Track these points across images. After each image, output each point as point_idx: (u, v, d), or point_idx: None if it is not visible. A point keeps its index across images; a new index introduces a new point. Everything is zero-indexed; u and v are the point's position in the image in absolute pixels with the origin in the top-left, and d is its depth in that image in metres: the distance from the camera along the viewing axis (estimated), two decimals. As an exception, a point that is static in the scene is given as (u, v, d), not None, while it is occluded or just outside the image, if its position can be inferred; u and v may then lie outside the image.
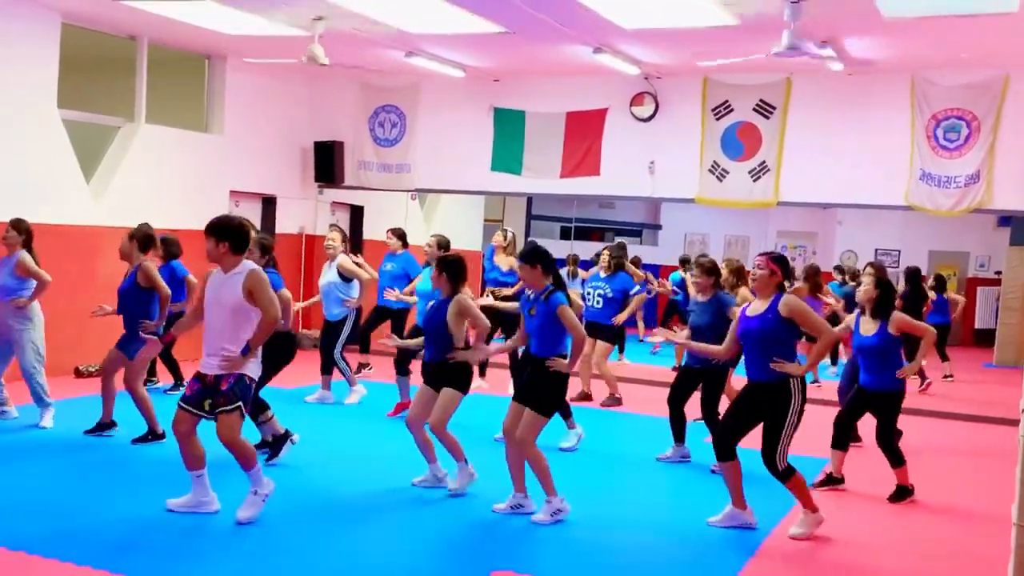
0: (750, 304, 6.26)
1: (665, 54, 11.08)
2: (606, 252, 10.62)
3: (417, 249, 10.47)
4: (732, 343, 6.30)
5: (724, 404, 7.77)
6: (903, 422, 8.41)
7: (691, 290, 7.93)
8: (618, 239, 16.04)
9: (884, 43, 9.94)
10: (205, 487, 5.86)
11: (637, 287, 10.48)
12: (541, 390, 6.17)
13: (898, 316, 7.23)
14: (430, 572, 5.23)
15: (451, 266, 6.64)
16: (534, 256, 6.25)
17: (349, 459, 7.59)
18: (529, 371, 6.30)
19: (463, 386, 6.63)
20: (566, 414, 8.29)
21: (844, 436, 7.43)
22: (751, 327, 6.02)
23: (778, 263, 6.11)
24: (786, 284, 6.25)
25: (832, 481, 7.43)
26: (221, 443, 5.68)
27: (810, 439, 8.92)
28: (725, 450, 6.15)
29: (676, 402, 7.93)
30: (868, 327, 7.26)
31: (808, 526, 6.13)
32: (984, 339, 19.12)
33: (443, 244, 9.07)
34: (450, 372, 6.58)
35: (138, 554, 5.19)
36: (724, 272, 8.52)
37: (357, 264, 9.87)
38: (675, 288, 13.09)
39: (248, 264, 5.77)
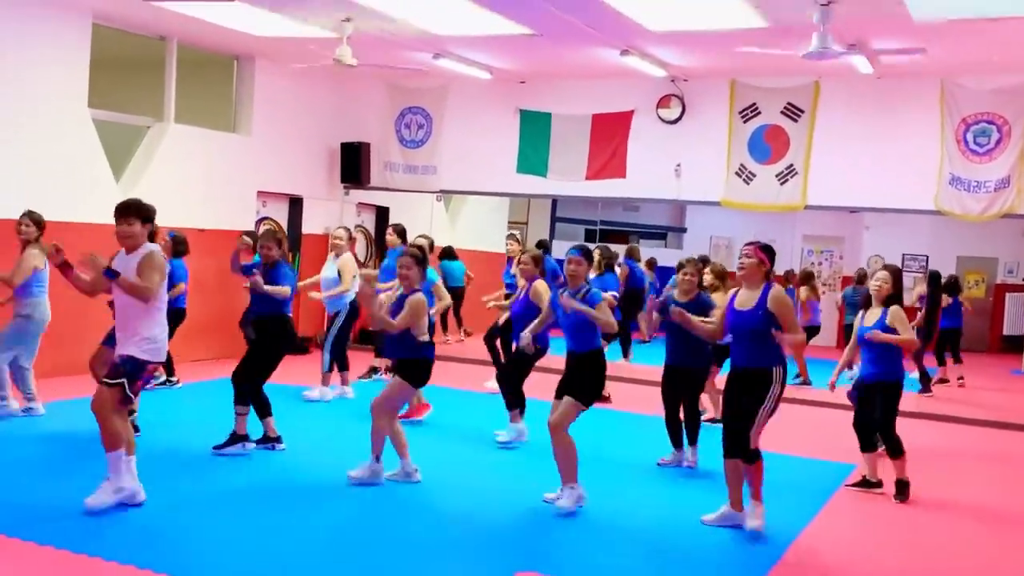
0: (736, 294, 6.18)
1: (692, 56, 11.06)
2: (597, 252, 10.63)
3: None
4: (720, 329, 6.36)
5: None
6: (928, 427, 8.38)
7: (676, 292, 7.92)
8: (642, 242, 16.02)
9: (914, 46, 9.86)
10: (130, 471, 5.86)
11: (612, 293, 10.31)
12: (584, 382, 6.36)
13: (894, 310, 7.20)
14: (454, 572, 5.24)
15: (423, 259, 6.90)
16: (589, 252, 6.60)
17: (340, 453, 7.60)
18: (569, 366, 6.43)
19: (412, 380, 6.79)
20: (516, 404, 8.43)
21: (869, 438, 7.41)
22: (743, 322, 6.02)
23: (766, 252, 6.13)
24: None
25: (867, 484, 7.39)
26: (91, 410, 5.71)
27: (827, 444, 8.88)
28: (731, 446, 6.12)
29: (670, 405, 7.88)
30: (871, 317, 7.26)
31: (763, 517, 6.10)
32: (1012, 346, 18.91)
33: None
34: (402, 366, 6.79)
35: (125, 536, 5.26)
36: (708, 276, 8.71)
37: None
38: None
39: (149, 245, 5.81)
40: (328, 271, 9.92)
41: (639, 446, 8.48)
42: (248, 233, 8.77)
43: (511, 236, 11.59)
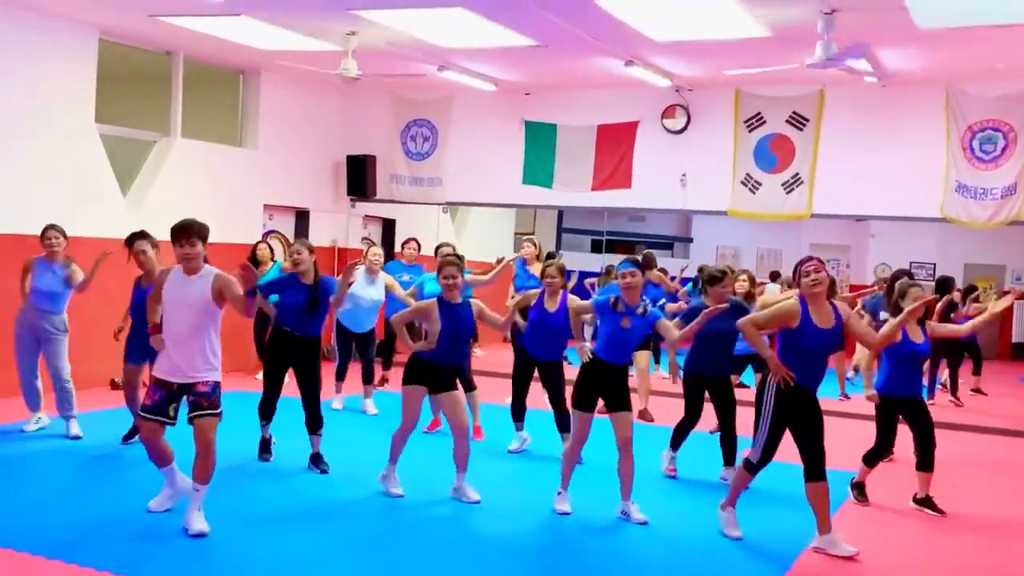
0: (807, 309, 5.80)
1: (697, 66, 11.07)
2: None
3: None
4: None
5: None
6: (936, 435, 8.26)
7: (709, 300, 7.75)
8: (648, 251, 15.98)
9: (919, 54, 9.87)
10: (176, 475, 5.98)
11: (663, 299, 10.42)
12: (627, 394, 6.46)
13: (932, 323, 7.23)
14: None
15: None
16: (640, 262, 6.52)
17: (368, 468, 7.60)
18: (612, 380, 6.39)
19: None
20: (519, 416, 8.45)
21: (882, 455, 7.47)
22: (829, 341, 5.80)
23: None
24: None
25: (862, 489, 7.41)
26: (199, 445, 5.61)
27: (833, 453, 8.84)
28: (758, 465, 6.07)
29: (697, 414, 7.81)
30: (917, 334, 7.04)
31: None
32: (1021, 353, 18.87)
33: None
34: (466, 373, 6.72)
35: (158, 560, 5.25)
36: (744, 283, 8.70)
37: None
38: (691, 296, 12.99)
39: (210, 267, 5.78)
40: (370, 291, 9.69)
41: (646, 457, 8.45)
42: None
43: (528, 240, 11.47)
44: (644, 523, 6.37)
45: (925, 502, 7.16)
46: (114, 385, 10.64)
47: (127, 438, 7.95)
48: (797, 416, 5.91)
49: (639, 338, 6.52)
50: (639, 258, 6.67)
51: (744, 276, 9.00)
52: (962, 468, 8.83)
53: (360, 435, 8.94)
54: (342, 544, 5.75)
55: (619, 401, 6.43)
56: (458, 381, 6.91)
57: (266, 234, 13.16)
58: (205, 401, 5.64)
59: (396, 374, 11.56)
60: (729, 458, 7.75)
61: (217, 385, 5.71)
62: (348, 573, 5.29)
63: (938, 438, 7.21)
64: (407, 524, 6.28)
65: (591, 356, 6.50)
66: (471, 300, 6.81)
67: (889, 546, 6.36)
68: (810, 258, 5.97)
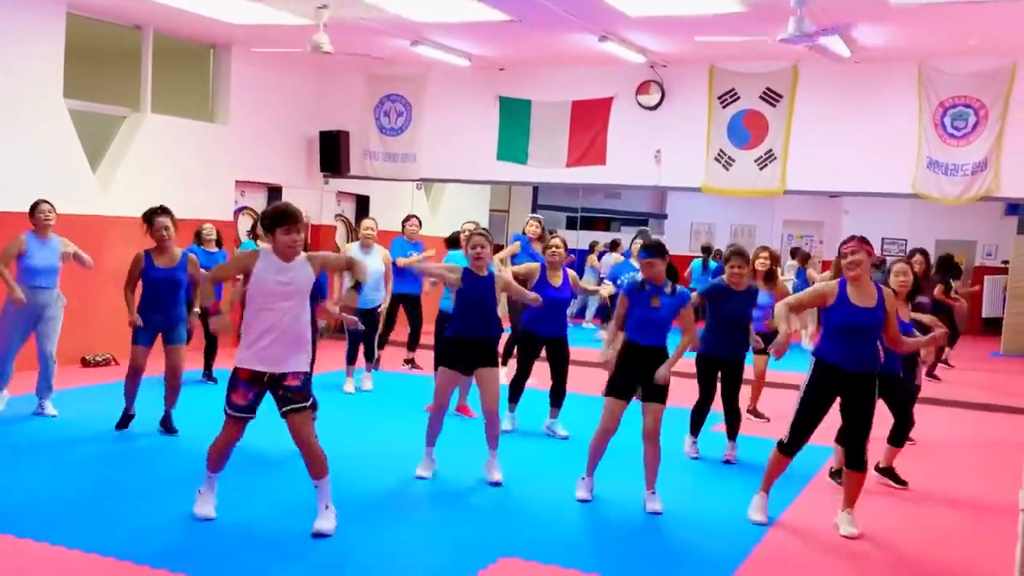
0: (845, 288, 5.71)
1: (671, 42, 11.05)
2: (639, 241, 10.55)
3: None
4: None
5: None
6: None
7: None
8: (623, 229, 16.04)
9: (891, 30, 9.90)
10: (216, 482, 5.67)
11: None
12: (665, 384, 6.21)
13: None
14: (436, 559, 5.24)
15: None
16: (663, 250, 6.28)
17: (356, 449, 7.58)
18: (647, 363, 6.16)
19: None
20: (517, 397, 8.36)
21: None
22: (871, 320, 5.68)
23: (869, 243, 5.81)
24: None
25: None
26: (298, 443, 5.40)
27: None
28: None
29: (710, 394, 7.73)
30: (905, 313, 6.91)
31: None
32: (991, 328, 19.07)
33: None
34: (495, 350, 6.71)
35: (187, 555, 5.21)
36: (763, 261, 8.68)
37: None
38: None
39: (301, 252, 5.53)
40: (369, 262, 9.59)
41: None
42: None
43: (534, 218, 11.29)
44: (658, 513, 6.19)
45: (887, 472, 7.25)
46: (85, 363, 10.57)
47: (121, 426, 7.67)
48: (839, 397, 5.82)
49: (671, 317, 6.24)
50: (657, 243, 6.40)
51: (765, 253, 8.89)
52: (931, 442, 8.91)
53: (377, 416, 8.86)
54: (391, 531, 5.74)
55: (655, 392, 6.18)
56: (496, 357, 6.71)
57: (238, 210, 13.07)
58: (298, 396, 5.34)
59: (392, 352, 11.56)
60: (732, 433, 7.74)
61: (307, 376, 5.45)
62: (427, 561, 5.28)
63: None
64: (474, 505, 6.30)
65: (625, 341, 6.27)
66: (497, 274, 6.76)
67: (863, 517, 6.42)
68: (851, 238, 5.76)
